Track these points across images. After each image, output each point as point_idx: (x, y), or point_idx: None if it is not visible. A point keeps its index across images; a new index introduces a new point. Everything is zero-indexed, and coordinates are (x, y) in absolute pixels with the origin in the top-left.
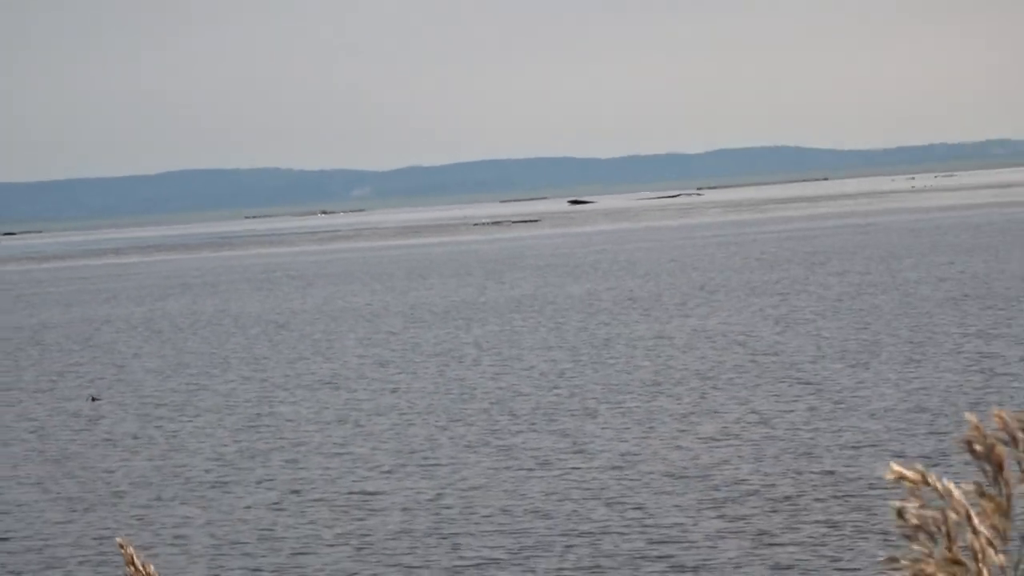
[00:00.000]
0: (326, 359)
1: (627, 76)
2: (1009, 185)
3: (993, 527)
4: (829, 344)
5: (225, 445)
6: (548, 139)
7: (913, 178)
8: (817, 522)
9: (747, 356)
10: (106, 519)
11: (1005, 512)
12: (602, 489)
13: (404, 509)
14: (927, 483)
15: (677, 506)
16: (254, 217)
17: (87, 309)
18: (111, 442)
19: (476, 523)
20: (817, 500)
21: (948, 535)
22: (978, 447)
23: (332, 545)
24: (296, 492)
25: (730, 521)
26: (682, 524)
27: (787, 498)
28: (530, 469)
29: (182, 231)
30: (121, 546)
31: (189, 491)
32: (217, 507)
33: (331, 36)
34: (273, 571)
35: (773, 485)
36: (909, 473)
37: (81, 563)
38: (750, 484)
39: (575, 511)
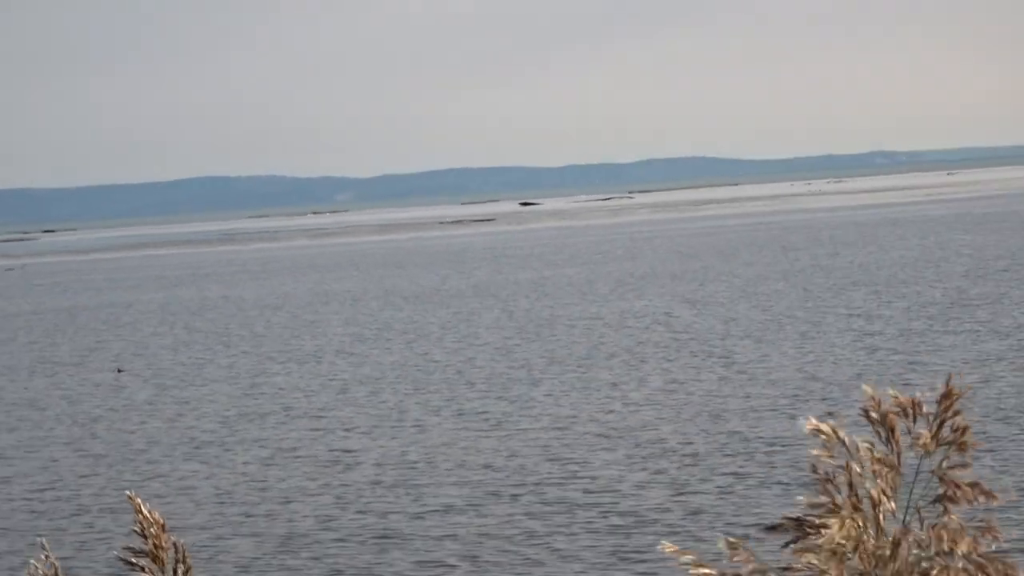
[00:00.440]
0: (313, 336)
1: (568, 95)
2: (887, 189)
3: (885, 480)
4: (736, 323)
5: (227, 409)
6: (502, 150)
7: (809, 183)
8: (725, 474)
9: (668, 333)
10: (125, 473)
11: (895, 468)
12: (545, 446)
13: (376, 464)
14: (838, 438)
15: (608, 461)
16: (254, 217)
17: (113, 295)
18: (130, 407)
19: (437, 475)
20: (726, 455)
21: (851, 484)
22: (874, 414)
23: (315, 494)
24: (285, 449)
25: (653, 473)
26: (612, 476)
27: (700, 454)
28: (483, 429)
29: (193, 229)
30: (130, 498)
31: (195, 448)
32: (219, 462)
33: (319, 62)
34: (265, 516)
35: (689, 443)
36: (824, 428)
37: (102, 510)
38: (669, 442)
39: (521, 465)
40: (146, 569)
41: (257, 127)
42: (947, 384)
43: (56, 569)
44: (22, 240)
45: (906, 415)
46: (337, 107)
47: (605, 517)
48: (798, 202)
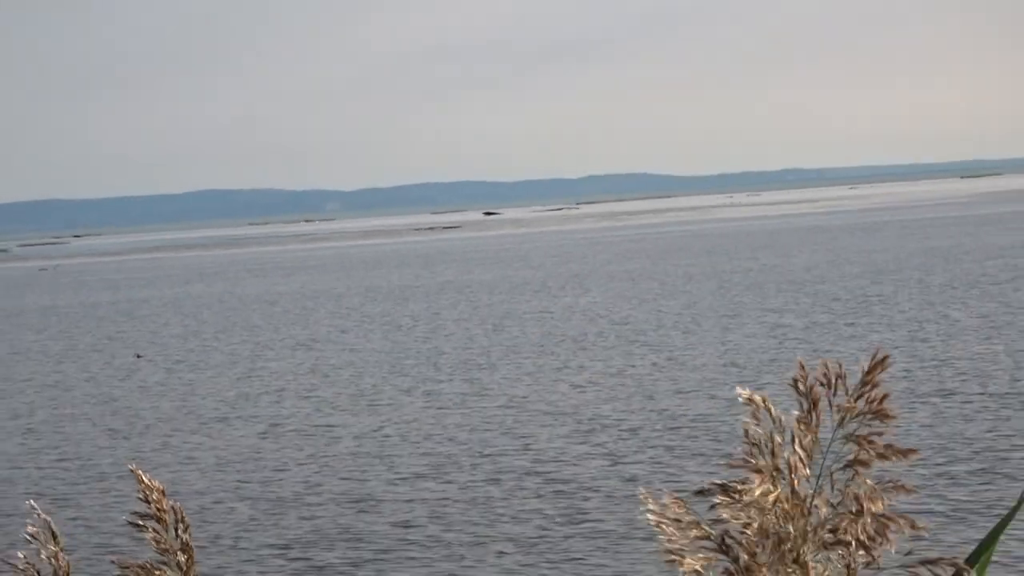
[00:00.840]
0: (303, 327)
1: (524, 119)
2: (797, 201)
3: (805, 449)
4: (667, 317)
5: (227, 391)
6: (467, 167)
7: (731, 196)
8: (656, 447)
9: (607, 325)
10: (139, 445)
11: (815, 437)
12: (500, 422)
13: (355, 437)
14: (765, 407)
15: (554, 435)
16: (254, 224)
17: (130, 291)
18: (144, 388)
19: (408, 447)
20: (655, 431)
21: (773, 452)
22: (801, 386)
23: (302, 464)
24: (277, 425)
25: (593, 446)
26: (558, 448)
27: (634, 429)
28: (448, 408)
29: (200, 234)
30: (132, 470)
31: (199, 424)
32: (219, 436)
33: (309, 89)
34: (260, 483)
35: (624, 419)
36: (755, 397)
37: (119, 477)
38: (607, 419)
39: (480, 438)
40: (151, 530)
41: (256, 146)
42: (872, 357)
43: (50, 526)
44: (54, 244)
45: (829, 386)
46: (326, 129)
47: (551, 483)
48: (720, 213)
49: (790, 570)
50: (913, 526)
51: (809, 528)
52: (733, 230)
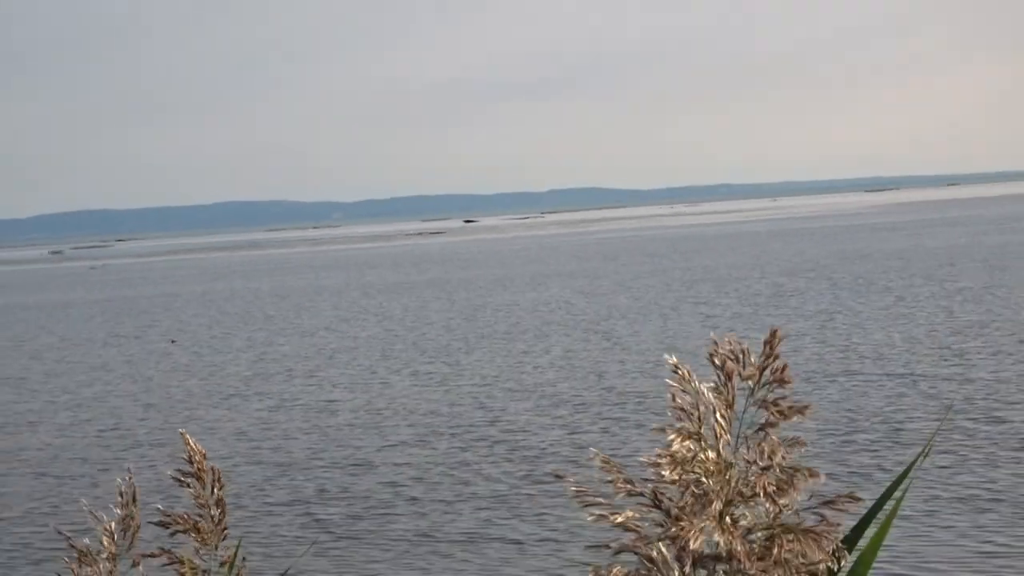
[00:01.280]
0: (309, 317)
1: (497, 142)
2: (728, 211)
3: (723, 415)
4: (616, 309)
5: (245, 371)
6: (450, 182)
7: (672, 207)
8: (605, 418)
9: (566, 316)
10: (170, 417)
11: (730, 405)
12: (474, 398)
13: (352, 411)
14: (688, 379)
15: (519, 409)
16: (269, 231)
17: (164, 287)
18: (174, 369)
19: (396, 419)
20: (605, 404)
21: (698, 418)
22: (716, 360)
23: (307, 433)
24: (286, 400)
25: (552, 418)
26: (522, 420)
27: (587, 403)
28: (431, 385)
29: (224, 239)
30: (181, 434)
31: (220, 400)
32: (236, 410)
33: (315, 115)
34: (270, 449)
35: (579, 395)
36: (681, 367)
37: (152, 446)
38: (564, 395)
39: (457, 412)
40: (191, 486)
41: (272, 164)
42: (772, 331)
43: (134, 488)
44: (101, 247)
45: (738, 360)
46: (331, 151)
47: (517, 450)
48: (663, 221)
49: (713, 520)
50: (812, 474)
51: (729, 482)
52: (673, 236)
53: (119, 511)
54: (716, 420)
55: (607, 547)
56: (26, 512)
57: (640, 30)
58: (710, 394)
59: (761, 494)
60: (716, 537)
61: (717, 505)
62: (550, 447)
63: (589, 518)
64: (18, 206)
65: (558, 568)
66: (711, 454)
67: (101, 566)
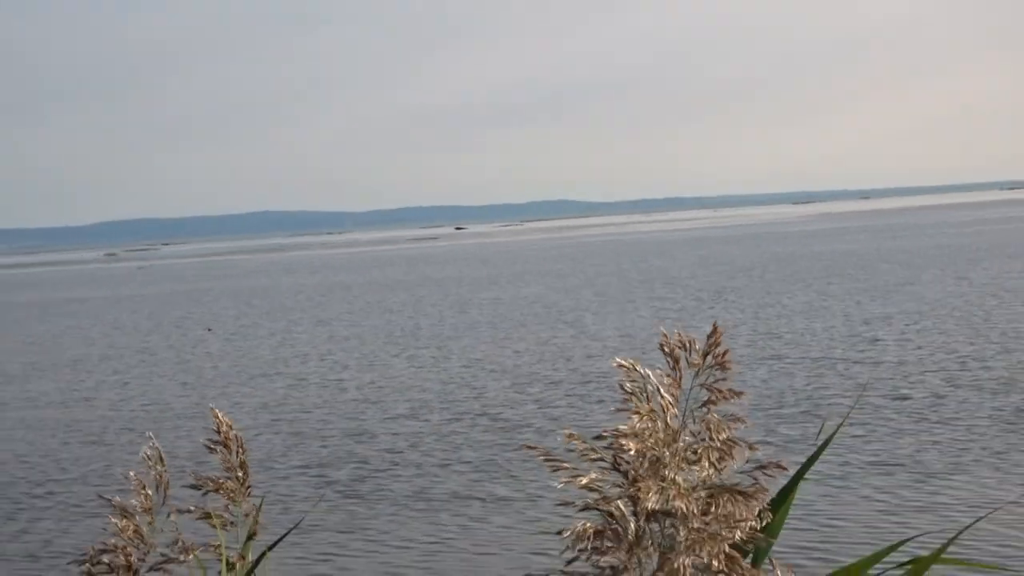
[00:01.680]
0: (322, 310)
1: (485, 161)
2: (679, 220)
3: (672, 395)
4: (583, 303)
5: (267, 355)
6: (445, 195)
7: (631, 216)
8: (572, 395)
9: (540, 308)
10: (203, 394)
11: (678, 386)
12: (462, 378)
13: (357, 388)
14: (636, 369)
15: (501, 387)
16: (291, 236)
17: (199, 284)
18: (208, 354)
19: (394, 395)
20: (571, 383)
21: (648, 398)
22: (666, 348)
23: (319, 407)
24: (302, 379)
25: (527, 395)
26: (503, 396)
27: (557, 382)
28: (424, 367)
29: (253, 243)
30: (211, 409)
31: (246, 379)
32: (260, 388)
33: (331, 139)
34: (288, 421)
35: (549, 375)
36: (625, 362)
37: (187, 418)
38: (538, 375)
39: (447, 389)
40: (220, 452)
41: (296, 179)
42: (714, 326)
43: (159, 451)
44: (148, 250)
45: (685, 349)
46: (344, 166)
47: (496, 422)
48: (624, 228)
49: (664, 482)
50: (751, 447)
51: (677, 451)
52: (632, 241)
53: (151, 471)
54: (662, 396)
55: (574, 504)
56: (82, 475)
57: (606, 68)
58: (655, 378)
59: (705, 463)
60: (666, 496)
61: (667, 471)
62: (525, 419)
63: (558, 484)
64: (80, 215)
65: (533, 521)
66: (660, 424)
67: (139, 518)
